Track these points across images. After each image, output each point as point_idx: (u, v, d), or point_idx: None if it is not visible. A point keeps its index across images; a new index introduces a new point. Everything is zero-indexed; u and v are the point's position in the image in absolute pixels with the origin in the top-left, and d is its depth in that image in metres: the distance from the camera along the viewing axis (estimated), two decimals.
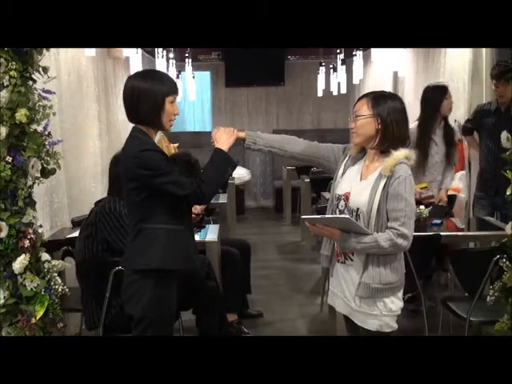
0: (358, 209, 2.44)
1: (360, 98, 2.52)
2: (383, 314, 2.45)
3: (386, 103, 2.45)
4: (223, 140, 2.66)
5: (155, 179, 2.53)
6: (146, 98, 2.55)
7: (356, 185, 2.49)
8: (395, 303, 2.46)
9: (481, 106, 4.82)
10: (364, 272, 2.43)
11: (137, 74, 2.68)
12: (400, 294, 2.50)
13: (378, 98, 2.47)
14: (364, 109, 2.46)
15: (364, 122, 2.45)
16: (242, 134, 2.70)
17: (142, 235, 2.63)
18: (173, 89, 2.62)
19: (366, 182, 2.46)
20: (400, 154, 2.41)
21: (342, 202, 2.50)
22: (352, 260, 2.48)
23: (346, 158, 2.59)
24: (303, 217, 2.57)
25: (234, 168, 2.68)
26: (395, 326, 2.49)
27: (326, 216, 2.54)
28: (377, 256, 2.41)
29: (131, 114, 2.63)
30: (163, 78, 2.65)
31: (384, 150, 2.46)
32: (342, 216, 2.44)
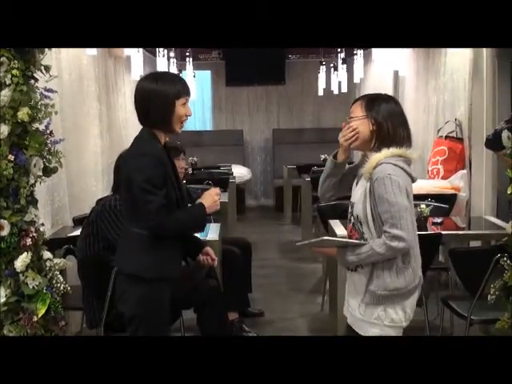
0: (357, 216, 2.41)
1: (355, 101, 2.50)
2: (384, 324, 2.37)
3: (379, 105, 2.42)
4: (208, 202, 2.63)
5: (135, 189, 2.47)
6: (156, 100, 2.50)
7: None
8: (399, 314, 2.37)
9: None
10: (370, 280, 2.38)
11: (147, 76, 2.63)
12: (409, 302, 2.39)
13: (372, 100, 2.45)
14: (358, 110, 2.44)
15: (358, 123, 2.42)
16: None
17: (128, 238, 2.62)
18: (184, 90, 2.56)
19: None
20: (380, 155, 2.36)
21: (351, 210, 2.49)
22: (362, 267, 2.42)
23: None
24: (297, 244, 2.59)
25: (202, 229, 2.82)
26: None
27: (312, 240, 2.52)
28: (381, 263, 2.35)
29: (142, 117, 2.58)
30: (174, 79, 2.59)
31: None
32: (320, 239, 2.47)
